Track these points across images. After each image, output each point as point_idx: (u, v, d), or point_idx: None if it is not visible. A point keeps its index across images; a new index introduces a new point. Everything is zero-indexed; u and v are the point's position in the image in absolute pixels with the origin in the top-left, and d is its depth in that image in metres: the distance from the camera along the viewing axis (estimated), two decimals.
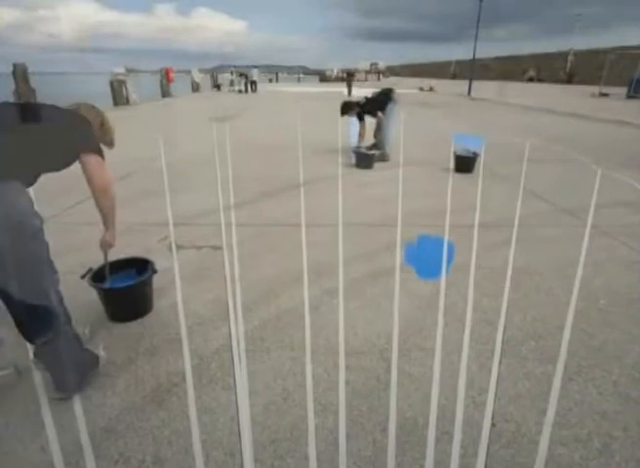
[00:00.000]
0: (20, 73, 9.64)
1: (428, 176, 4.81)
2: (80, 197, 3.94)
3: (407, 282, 2.38)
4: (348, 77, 22.33)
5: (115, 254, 2.21)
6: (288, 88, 30.46)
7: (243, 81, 24.27)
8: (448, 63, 52.05)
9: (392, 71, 72.77)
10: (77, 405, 1.49)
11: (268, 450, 1.33)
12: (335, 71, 47.13)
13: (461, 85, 25.90)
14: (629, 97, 17.30)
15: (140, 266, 2.11)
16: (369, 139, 5.83)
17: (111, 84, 14.54)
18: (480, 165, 5.00)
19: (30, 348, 1.76)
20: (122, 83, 14.57)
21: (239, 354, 1.79)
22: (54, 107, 1.48)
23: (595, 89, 19.66)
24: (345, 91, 20.95)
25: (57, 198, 3.88)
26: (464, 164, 5.01)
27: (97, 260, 2.12)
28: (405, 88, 28.18)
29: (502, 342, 1.86)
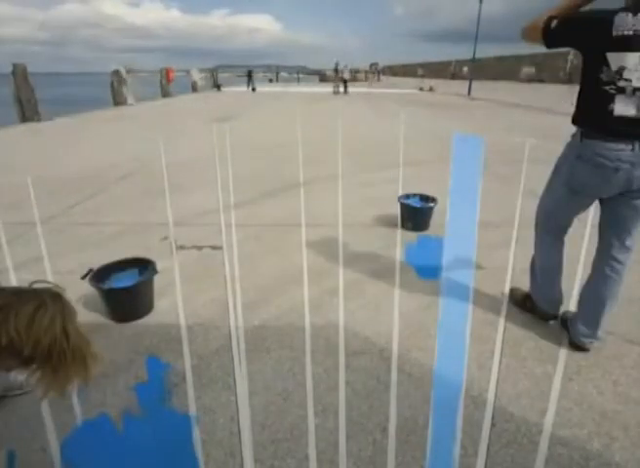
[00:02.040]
0: (19, 73, 9.64)
1: (428, 176, 4.81)
2: (80, 198, 3.95)
3: (407, 282, 2.39)
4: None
5: (116, 255, 2.21)
6: (289, 88, 30.36)
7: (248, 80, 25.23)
8: (447, 63, 52.01)
9: (392, 71, 72.80)
10: (77, 405, 1.49)
11: (268, 451, 1.33)
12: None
13: (461, 85, 25.89)
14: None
15: (142, 266, 2.12)
16: None
17: (111, 84, 14.56)
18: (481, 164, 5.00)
19: None
20: (122, 83, 14.58)
21: (239, 354, 1.79)
22: None
23: None
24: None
25: (57, 198, 3.88)
26: (415, 218, 3.17)
27: (96, 261, 2.12)
28: (405, 88, 28.21)
29: (502, 342, 1.86)
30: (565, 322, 1.91)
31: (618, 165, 1.49)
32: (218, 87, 26.04)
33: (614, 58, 1.43)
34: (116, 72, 14.31)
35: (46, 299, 0.90)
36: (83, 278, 1.97)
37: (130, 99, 14.89)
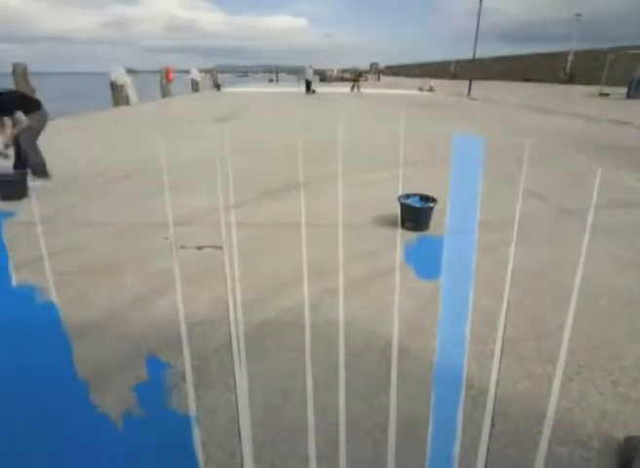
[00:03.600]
0: (19, 73, 9.66)
1: (427, 176, 4.81)
2: (81, 197, 3.95)
3: (407, 282, 2.38)
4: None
5: (117, 255, 2.21)
6: (290, 89, 30.23)
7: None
8: (448, 63, 52.08)
9: (391, 71, 72.89)
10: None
11: (268, 450, 1.33)
12: (335, 71, 47.27)
13: (461, 85, 25.89)
14: (629, 97, 17.35)
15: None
16: None
17: (111, 85, 14.55)
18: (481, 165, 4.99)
19: None
20: (122, 85, 14.57)
21: (239, 354, 1.79)
22: None
23: (595, 89, 19.69)
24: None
25: (57, 198, 3.88)
26: (415, 218, 3.20)
27: (97, 261, 2.12)
28: (405, 88, 28.21)
29: (502, 342, 1.86)
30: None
31: None
32: (217, 87, 25.87)
33: None
34: (115, 74, 14.28)
35: None
36: None
37: (131, 100, 14.88)
